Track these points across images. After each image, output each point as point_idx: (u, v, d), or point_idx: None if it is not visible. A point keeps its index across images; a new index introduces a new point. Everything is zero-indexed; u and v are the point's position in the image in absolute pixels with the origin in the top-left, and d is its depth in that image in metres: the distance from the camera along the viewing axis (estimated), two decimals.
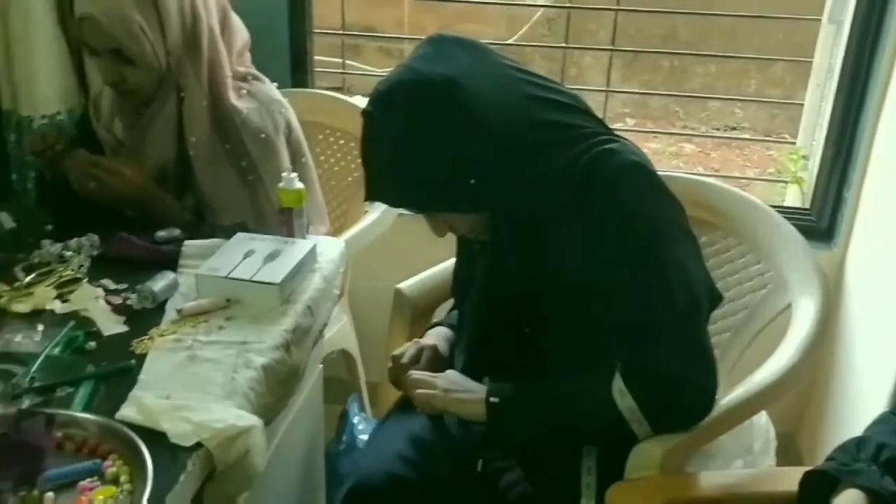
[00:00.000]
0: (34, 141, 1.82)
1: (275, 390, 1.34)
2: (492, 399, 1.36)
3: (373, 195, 1.40)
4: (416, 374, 1.46)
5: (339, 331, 2.28)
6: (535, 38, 4.60)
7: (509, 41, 4.01)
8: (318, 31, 2.61)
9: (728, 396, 1.43)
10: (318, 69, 2.64)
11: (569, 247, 1.34)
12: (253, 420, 1.20)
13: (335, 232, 2.07)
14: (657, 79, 5.10)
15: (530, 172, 1.32)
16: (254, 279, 1.45)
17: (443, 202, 1.36)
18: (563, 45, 2.99)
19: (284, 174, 1.65)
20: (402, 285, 1.93)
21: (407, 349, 1.55)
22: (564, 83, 1.55)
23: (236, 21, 1.83)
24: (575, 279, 1.34)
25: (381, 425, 1.63)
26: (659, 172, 1.39)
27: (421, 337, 1.61)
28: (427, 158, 1.29)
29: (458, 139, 1.28)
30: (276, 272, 1.47)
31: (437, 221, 1.41)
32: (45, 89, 2.28)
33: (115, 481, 1.06)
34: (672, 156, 4.88)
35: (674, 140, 4.97)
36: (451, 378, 1.43)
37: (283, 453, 1.58)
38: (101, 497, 1.02)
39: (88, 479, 1.05)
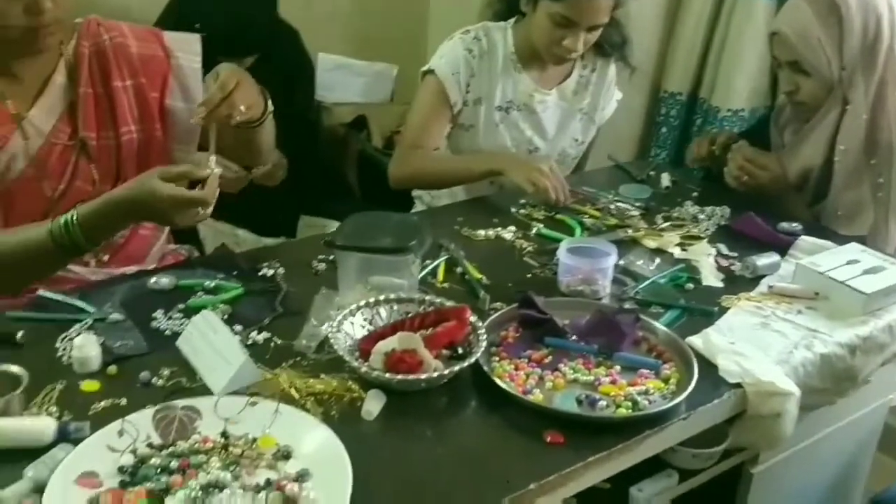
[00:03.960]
0: (700, 147, 2.14)
1: (825, 379, 1.44)
2: None
3: None
4: None
5: None
6: None
7: None
8: None
9: None
10: None
11: None
12: (794, 389, 1.34)
13: None
14: None
15: None
16: (847, 283, 1.55)
17: None
18: None
19: None
20: None
21: None
22: None
23: None
24: None
25: None
26: None
27: None
28: None
29: None
30: (870, 284, 1.54)
31: None
32: (740, 86, 2.61)
33: (665, 381, 1.31)
34: None
35: None
36: None
37: (821, 449, 1.66)
38: (651, 385, 1.29)
39: (647, 370, 1.33)
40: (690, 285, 1.63)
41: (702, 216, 1.92)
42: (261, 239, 2.25)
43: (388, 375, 1.21)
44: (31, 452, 1.06)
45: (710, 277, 1.67)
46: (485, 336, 1.31)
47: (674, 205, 1.99)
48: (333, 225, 2.20)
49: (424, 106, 2.12)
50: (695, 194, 2.06)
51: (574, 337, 1.39)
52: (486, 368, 1.27)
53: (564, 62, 2.11)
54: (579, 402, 1.25)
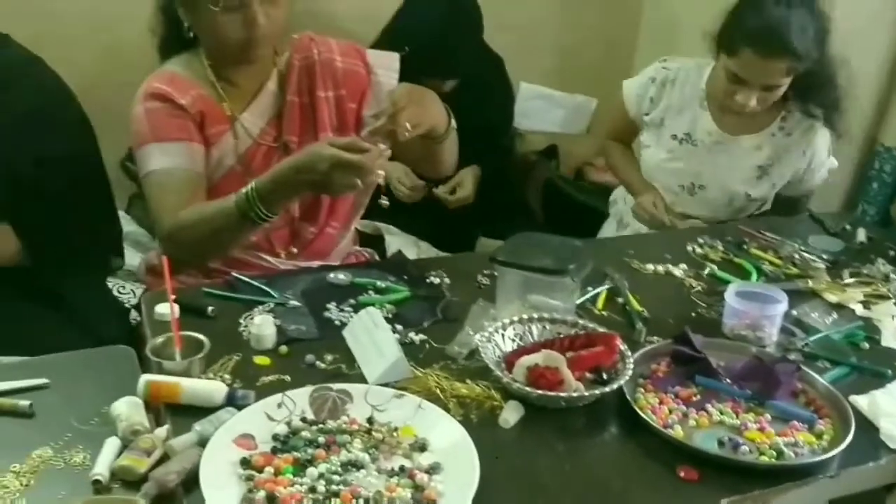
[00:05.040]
0: None
1: None
2: None
3: None
4: None
5: None
6: None
7: None
8: None
9: None
10: None
11: None
12: None
13: None
14: None
15: None
16: None
17: None
18: None
19: None
20: None
21: None
22: None
23: None
24: None
25: None
26: None
27: None
28: None
29: None
30: None
31: None
32: None
33: (819, 436, 1.26)
34: None
35: None
36: None
37: None
38: (802, 437, 1.24)
39: (800, 423, 1.28)
40: (867, 345, 1.55)
41: (894, 276, 1.81)
42: (439, 253, 2.36)
43: (528, 389, 1.25)
44: (202, 411, 1.19)
45: (891, 339, 1.57)
46: (632, 365, 1.32)
47: (865, 261, 1.88)
48: None
49: (614, 112, 2.43)
50: (892, 253, 1.94)
51: (727, 380, 1.37)
52: (629, 397, 1.28)
53: (740, 115, 2.09)
54: (721, 443, 1.23)
